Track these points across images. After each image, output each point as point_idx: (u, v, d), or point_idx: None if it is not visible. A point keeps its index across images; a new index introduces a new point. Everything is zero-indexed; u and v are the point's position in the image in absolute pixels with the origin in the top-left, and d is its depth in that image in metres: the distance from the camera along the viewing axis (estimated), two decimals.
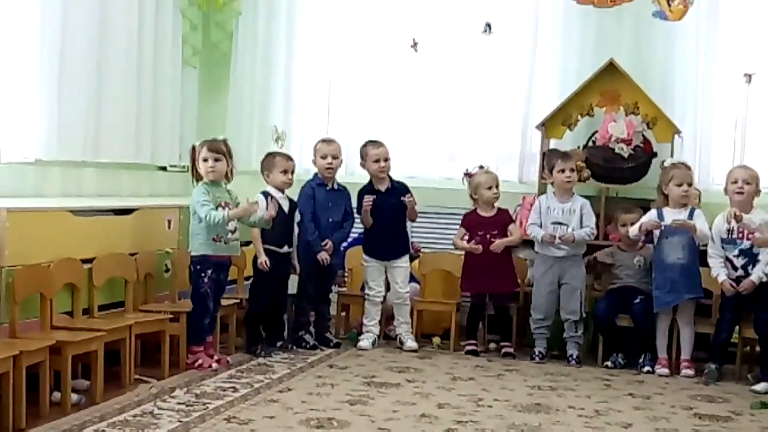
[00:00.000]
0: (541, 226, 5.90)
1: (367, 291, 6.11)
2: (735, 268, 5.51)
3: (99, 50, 5.96)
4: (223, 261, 5.29)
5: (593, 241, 5.99)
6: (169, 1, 6.71)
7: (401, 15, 7.09)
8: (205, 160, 5.21)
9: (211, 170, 5.22)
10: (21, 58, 5.34)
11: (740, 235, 5.48)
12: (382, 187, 6.08)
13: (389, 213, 6.04)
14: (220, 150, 5.25)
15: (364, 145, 6.13)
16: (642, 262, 5.87)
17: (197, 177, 5.28)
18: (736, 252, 5.51)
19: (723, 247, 5.55)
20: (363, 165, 6.13)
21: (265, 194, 5.59)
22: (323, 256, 5.80)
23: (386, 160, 6.07)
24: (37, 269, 4.38)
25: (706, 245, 5.68)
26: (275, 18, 7.30)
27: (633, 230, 5.72)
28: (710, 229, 5.57)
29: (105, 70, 6.02)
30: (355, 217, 6.12)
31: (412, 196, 6.07)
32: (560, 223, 5.87)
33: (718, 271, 5.53)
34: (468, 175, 6.12)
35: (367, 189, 6.08)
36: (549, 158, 6.09)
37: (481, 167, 6.12)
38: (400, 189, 6.10)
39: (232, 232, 5.25)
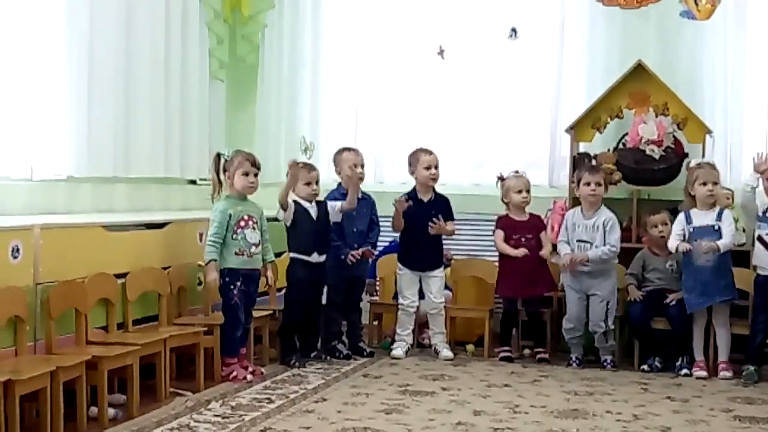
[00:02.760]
0: (569, 242, 5.87)
1: (401, 301, 6.09)
2: (767, 247, 5.44)
3: (126, 66, 6.00)
4: (252, 272, 5.29)
5: (627, 244, 5.94)
6: (195, 15, 6.75)
7: (427, 22, 7.09)
8: (246, 174, 5.22)
9: (251, 185, 5.23)
10: (50, 77, 5.39)
11: None
12: (425, 198, 6.05)
13: (426, 224, 5.99)
14: (258, 165, 5.27)
15: (415, 152, 6.08)
16: (674, 266, 5.81)
17: (217, 187, 5.27)
18: None
19: (759, 226, 5.50)
20: (412, 172, 6.08)
21: (293, 203, 5.60)
22: (352, 257, 5.77)
23: (437, 167, 6.05)
24: (71, 285, 4.41)
25: (741, 245, 5.64)
26: (301, 29, 7.33)
27: (671, 245, 5.64)
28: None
29: (133, 86, 6.07)
30: (380, 225, 6.09)
31: (452, 219, 6.05)
32: (584, 241, 5.83)
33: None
34: (501, 178, 6.11)
35: (411, 196, 6.05)
36: (578, 169, 6.05)
37: (516, 172, 6.11)
38: (441, 203, 6.06)
39: (255, 246, 5.25)
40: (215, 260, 5.13)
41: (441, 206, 6.05)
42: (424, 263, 6.03)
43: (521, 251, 5.88)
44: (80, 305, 4.44)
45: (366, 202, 6.04)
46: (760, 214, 5.50)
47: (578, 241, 5.85)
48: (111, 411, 4.30)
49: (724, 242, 5.47)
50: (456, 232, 6.25)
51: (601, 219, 5.83)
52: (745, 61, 6.52)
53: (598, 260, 5.76)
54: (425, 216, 5.99)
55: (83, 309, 4.46)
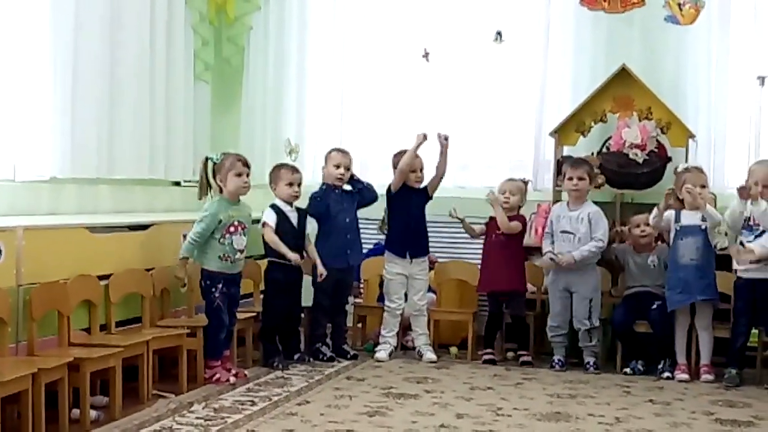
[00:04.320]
0: (552, 236, 5.90)
1: (388, 303, 6.10)
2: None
3: (111, 67, 5.99)
4: (233, 275, 5.28)
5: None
6: (180, 17, 6.74)
7: (412, 25, 7.11)
8: (240, 175, 5.21)
9: (245, 186, 5.24)
10: (34, 77, 5.38)
11: (757, 221, 5.45)
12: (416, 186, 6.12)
13: (415, 211, 6.07)
14: (249, 165, 5.28)
15: (399, 153, 6.10)
16: (656, 262, 5.86)
17: (205, 189, 5.26)
18: (751, 237, 5.47)
19: (741, 233, 5.52)
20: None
21: (273, 206, 5.61)
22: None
23: (422, 170, 6.07)
24: (54, 286, 4.39)
25: (723, 249, 5.67)
26: (286, 31, 7.33)
27: (653, 214, 5.70)
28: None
29: (117, 87, 6.06)
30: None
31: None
32: (568, 232, 5.85)
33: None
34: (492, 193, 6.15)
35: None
36: (563, 165, 6.10)
37: (522, 180, 6.17)
38: (424, 188, 6.13)
39: (240, 252, 5.24)
40: (187, 258, 5.14)
41: (424, 190, 6.11)
42: (412, 249, 6.06)
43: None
44: (63, 307, 4.42)
45: (351, 194, 6.05)
46: (744, 221, 5.52)
47: (561, 232, 5.87)
48: (93, 413, 4.28)
49: (710, 209, 5.55)
50: (440, 234, 6.33)
51: (586, 211, 5.85)
52: (728, 66, 6.56)
53: (584, 259, 5.77)
54: (414, 204, 6.06)
55: (65, 310, 4.44)
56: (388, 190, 6.10)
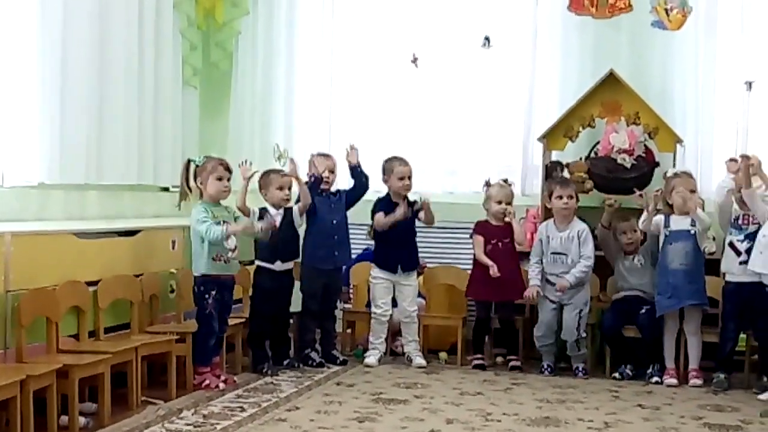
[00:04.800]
0: (542, 258, 5.90)
1: (374, 309, 6.09)
2: (738, 253, 5.49)
3: (99, 73, 5.98)
4: (227, 281, 5.28)
5: (599, 252, 5.99)
6: (168, 21, 6.73)
7: (401, 31, 7.12)
8: (220, 179, 5.20)
9: (225, 190, 5.23)
10: (22, 83, 5.36)
11: (746, 220, 5.48)
12: (399, 200, 6.07)
13: (403, 226, 6.02)
14: (231, 169, 5.27)
15: (390, 160, 6.09)
16: (642, 261, 5.89)
17: (185, 194, 5.25)
18: (741, 237, 5.50)
19: (731, 232, 5.55)
20: (386, 180, 6.08)
21: (262, 209, 5.60)
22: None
23: (410, 178, 6.06)
24: (42, 293, 4.37)
25: (711, 254, 5.69)
26: (275, 36, 7.33)
27: (642, 218, 5.70)
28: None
29: (106, 92, 6.04)
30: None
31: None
32: (559, 254, 5.86)
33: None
34: (487, 184, 6.13)
35: (386, 201, 6.06)
36: (549, 181, 6.11)
37: (505, 181, 6.14)
38: (412, 203, 6.07)
39: (232, 251, 5.23)
40: (227, 223, 5.11)
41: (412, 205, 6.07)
42: (399, 265, 6.03)
43: (493, 271, 5.84)
44: (51, 313, 4.41)
45: (338, 196, 6.04)
46: (732, 220, 5.55)
47: (553, 253, 5.88)
48: (82, 420, 4.27)
49: (700, 212, 5.59)
50: (429, 240, 6.32)
51: (575, 230, 5.86)
52: (715, 71, 6.59)
53: (577, 281, 5.78)
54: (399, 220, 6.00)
55: (54, 317, 4.42)
56: (375, 206, 6.06)
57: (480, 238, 6.01)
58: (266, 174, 5.77)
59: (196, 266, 5.19)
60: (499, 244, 5.97)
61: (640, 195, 5.83)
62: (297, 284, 5.85)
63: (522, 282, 6.01)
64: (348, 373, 5.70)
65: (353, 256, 6.30)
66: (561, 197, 5.87)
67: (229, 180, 5.26)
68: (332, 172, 6.03)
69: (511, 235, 5.98)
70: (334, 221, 5.95)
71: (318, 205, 5.90)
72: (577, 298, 5.81)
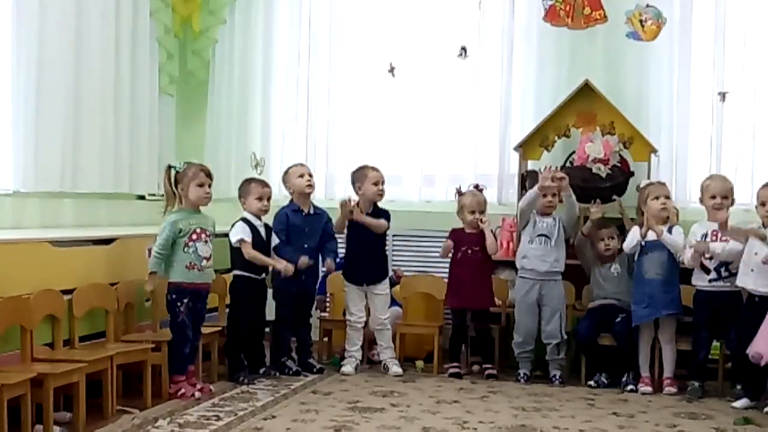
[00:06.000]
0: (531, 238, 5.94)
1: (348, 317, 6.09)
2: (707, 271, 5.53)
3: (75, 81, 5.96)
4: (200, 290, 5.25)
5: (574, 261, 6.03)
6: (145, 30, 6.72)
7: (378, 40, 7.15)
8: (201, 185, 5.19)
9: (207, 196, 5.22)
10: None
11: (713, 239, 5.51)
12: (367, 210, 6.07)
13: (370, 237, 6.02)
14: (212, 176, 5.27)
15: (361, 168, 6.08)
16: (618, 270, 5.92)
17: (171, 200, 5.22)
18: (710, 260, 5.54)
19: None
20: (359, 188, 6.05)
21: (244, 220, 5.60)
22: (304, 260, 5.70)
23: (383, 183, 6.06)
24: (16, 301, 4.35)
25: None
26: (252, 45, 7.34)
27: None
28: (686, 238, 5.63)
29: (82, 100, 6.03)
30: (337, 238, 6.06)
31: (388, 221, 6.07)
32: (545, 236, 5.90)
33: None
34: (458, 192, 6.14)
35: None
36: (530, 181, 6.14)
37: (476, 186, 6.15)
38: (382, 214, 6.07)
39: (207, 260, 5.22)
40: (155, 272, 5.13)
41: (381, 216, 6.06)
42: (368, 276, 6.04)
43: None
44: (25, 321, 4.38)
45: (319, 217, 6.01)
46: (701, 237, 5.56)
47: (539, 235, 5.91)
48: (57, 429, 4.25)
49: (673, 238, 5.60)
50: (406, 248, 6.32)
51: (557, 217, 5.93)
52: (689, 82, 6.64)
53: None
54: (368, 230, 6.00)
55: (29, 325, 4.39)
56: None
57: (450, 243, 6.05)
58: (246, 182, 5.77)
59: (168, 274, 5.17)
60: (469, 251, 6.00)
61: (620, 203, 5.89)
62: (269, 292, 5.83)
63: (491, 291, 6.04)
64: (324, 382, 5.70)
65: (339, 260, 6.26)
66: (545, 195, 5.91)
67: (210, 186, 5.24)
68: (311, 175, 5.98)
69: (482, 243, 6.00)
70: (306, 245, 5.85)
71: (294, 224, 5.85)
72: (554, 295, 5.86)
